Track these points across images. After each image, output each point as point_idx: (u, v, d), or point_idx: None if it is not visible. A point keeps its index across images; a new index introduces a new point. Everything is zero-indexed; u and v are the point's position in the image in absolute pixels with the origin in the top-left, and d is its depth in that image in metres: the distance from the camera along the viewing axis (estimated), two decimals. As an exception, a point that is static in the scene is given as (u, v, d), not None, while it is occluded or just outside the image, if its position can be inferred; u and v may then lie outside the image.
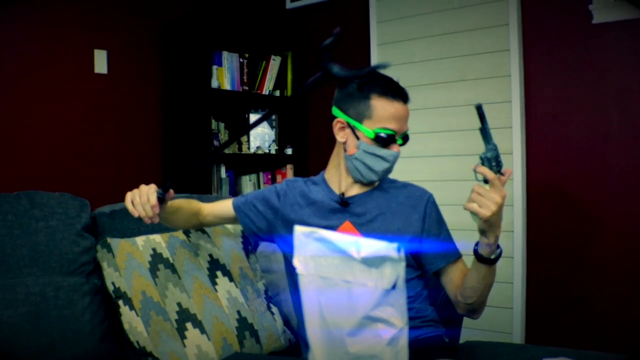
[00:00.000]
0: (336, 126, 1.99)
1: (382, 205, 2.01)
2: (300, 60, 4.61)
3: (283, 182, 2.19)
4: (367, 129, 1.92)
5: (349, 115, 1.95)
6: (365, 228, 1.96)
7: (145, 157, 4.06)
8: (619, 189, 3.35)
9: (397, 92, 1.93)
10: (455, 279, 1.97)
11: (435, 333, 1.97)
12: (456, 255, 2.02)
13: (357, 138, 1.94)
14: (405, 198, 2.05)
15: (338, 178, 2.06)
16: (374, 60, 4.09)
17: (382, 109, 1.92)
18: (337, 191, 2.05)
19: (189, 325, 2.13)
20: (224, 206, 2.22)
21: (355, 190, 2.04)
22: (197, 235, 2.37)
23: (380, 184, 2.07)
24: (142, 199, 1.85)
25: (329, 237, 1.14)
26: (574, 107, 3.47)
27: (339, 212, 2.01)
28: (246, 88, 4.37)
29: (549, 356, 1.90)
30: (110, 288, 2.16)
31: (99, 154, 3.78)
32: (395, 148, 1.95)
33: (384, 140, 1.92)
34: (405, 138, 1.98)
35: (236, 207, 2.19)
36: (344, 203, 2.00)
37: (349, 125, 1.95)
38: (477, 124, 1.66)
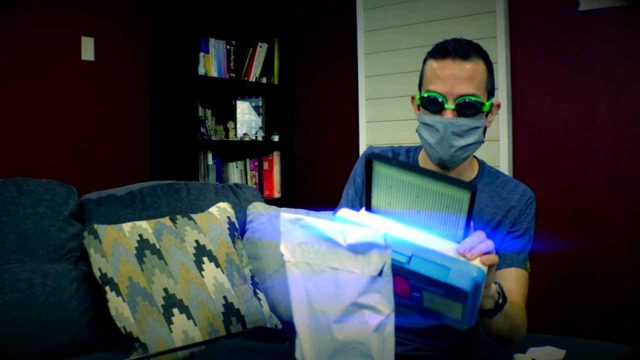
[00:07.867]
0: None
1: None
2: (287, 47, 4.60)
3: (357, 164, 1.85)
4: (418, 97, 1.68)
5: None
6: None
7: (132, 144, 4.05)
8: (606, 175, 3.38)
9: (444, 49, 1.64)
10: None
11: None
12: (516, 263, 1.68)
13: (418, 110, 1.68)
14: (500, 199, 1.73)
15: (426, 163, 1.75)
16: (360, 48, 4.09)
17: (429, 70, 1.66)
18: None
19: (175, 310, 2.13)
20: None
21: None
22: (183, 222, 2.37)
23: (479, 178, 1.76)
24: None
25: (315, 224, 1.14)
26: (561, 94, 3.49)
27: None
28: (233, 75, 4.37)
29: (536, 344, 1.92)
30: (97, 274, 2.16)
31: (86, 141, 3.77)
32: (447, 114, 1.58)
33: (429, 104, 1.61)
34: (465, 104, 1.58)
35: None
36: None
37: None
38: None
